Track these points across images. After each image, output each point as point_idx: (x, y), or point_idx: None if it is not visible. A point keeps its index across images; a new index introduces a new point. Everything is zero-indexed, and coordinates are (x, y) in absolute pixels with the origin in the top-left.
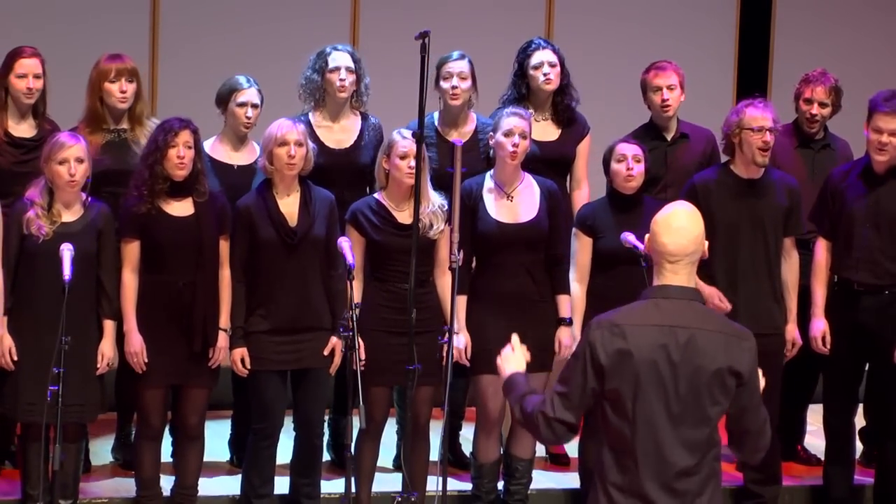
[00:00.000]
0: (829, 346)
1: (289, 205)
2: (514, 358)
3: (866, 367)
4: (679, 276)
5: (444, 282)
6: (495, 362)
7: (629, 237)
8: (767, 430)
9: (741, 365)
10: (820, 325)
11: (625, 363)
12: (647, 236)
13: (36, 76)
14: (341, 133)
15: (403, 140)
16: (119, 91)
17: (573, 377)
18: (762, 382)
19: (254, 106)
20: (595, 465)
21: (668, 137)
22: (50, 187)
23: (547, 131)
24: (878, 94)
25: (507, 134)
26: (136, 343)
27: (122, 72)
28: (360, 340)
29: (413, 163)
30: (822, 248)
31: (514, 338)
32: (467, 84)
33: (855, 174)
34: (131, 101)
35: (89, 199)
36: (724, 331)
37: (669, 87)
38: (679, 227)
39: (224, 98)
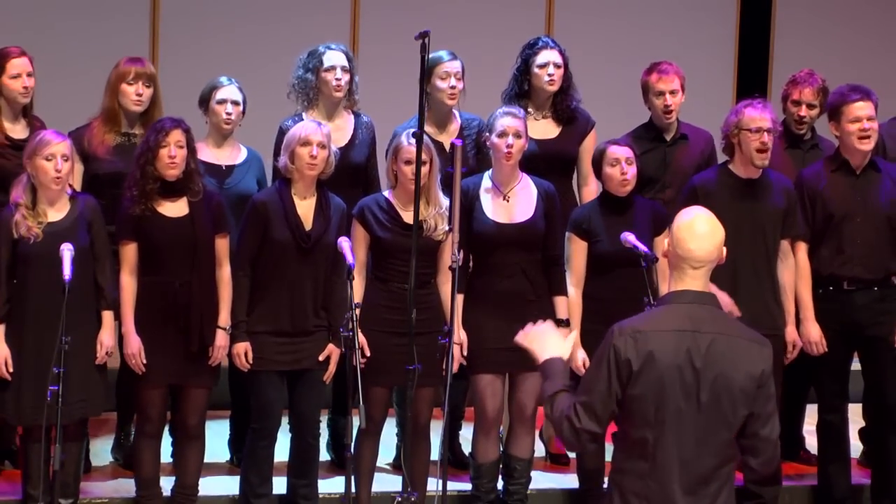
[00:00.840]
0: (826, 350)
1: (305, 207)
2: (553, 340)
3: (855, 367)
4: (698, 281)
5: (447, 288)
6: (492, 361)
7: (629, 237)
8: (778, 442)
9: (760, 371)
10: (815, 330)
11: (649, 369)
12: (666, 241)
13: (28, 74)
14: (335, 132)
15: (409, 146)
16: (135, 94)
17: (597, 386)
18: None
19: (234, 103)
20: (612, 471)
21: (668, 138)
22: (33, 185)
23: (547, 129)
24: (836, 91)
25: (501, 135)
26: (133, 345)
27: (140, 75)
28: (362, 339)
29: (423, 167)
30: (802, 251)
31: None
32: (462, 84)
33: (828, 173)
34: (146, 105)
35: (75, 194)
36: (745, 336)
37: (672, 92)
38: (704, 232)
39: (205, 98)
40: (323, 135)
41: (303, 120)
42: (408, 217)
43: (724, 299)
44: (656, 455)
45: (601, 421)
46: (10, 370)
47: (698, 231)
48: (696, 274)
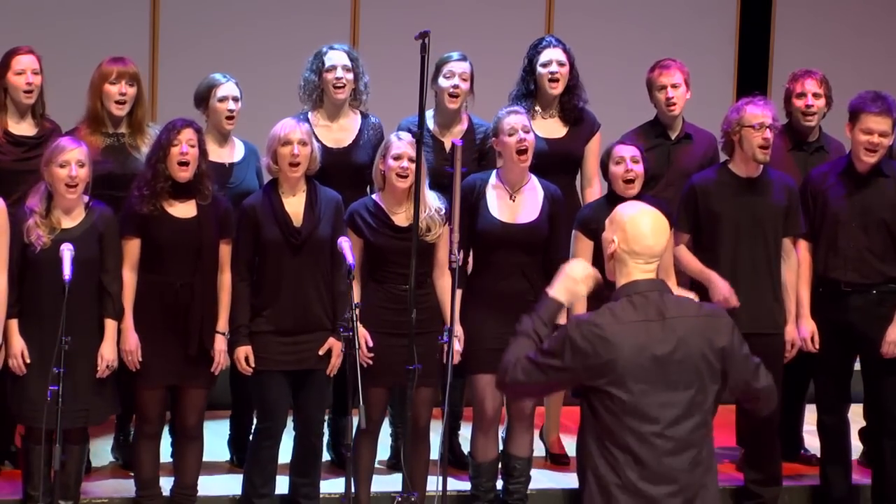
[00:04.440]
0: (818, 346)
1: (294, 204)
2: (565, 283)
3: (856, 367)
4: (650, 273)
5: (444, 283)
6: (491, 361)
7: None
8: (774, 387)
9: (722, 340)
10: (808, 326)
11: (610, 364)
12: (615, 237)
13: (34, 72)
14: (340, 132)
15: (398, 142)
16: (118, 93)
17: (547, 369)
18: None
19: (234, 99)
20: (588, 463)
21: (672, 136)
22: (49, 192)
23: (554, 129)
24: (860, 95)
25: (511, 133)
26: (131, 342)
27: (123, 74)
28: (363, 339)
29: (405, 164)
30: (803, 250)
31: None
32: (467, 85)
33: (835, 175)
34: (130, 105)
35: (91, 201)
36: (699, 314)
37: (674, 86)
38: (657, 227)
39: (203, 96)
40: (303, 132)
41: (307, 119)
42: (397, 219)
43: (725, 288)
44: (631, 443)
45: (528, 393)
46: (28, 361)
47: (653, 226)
48: (647, 267)
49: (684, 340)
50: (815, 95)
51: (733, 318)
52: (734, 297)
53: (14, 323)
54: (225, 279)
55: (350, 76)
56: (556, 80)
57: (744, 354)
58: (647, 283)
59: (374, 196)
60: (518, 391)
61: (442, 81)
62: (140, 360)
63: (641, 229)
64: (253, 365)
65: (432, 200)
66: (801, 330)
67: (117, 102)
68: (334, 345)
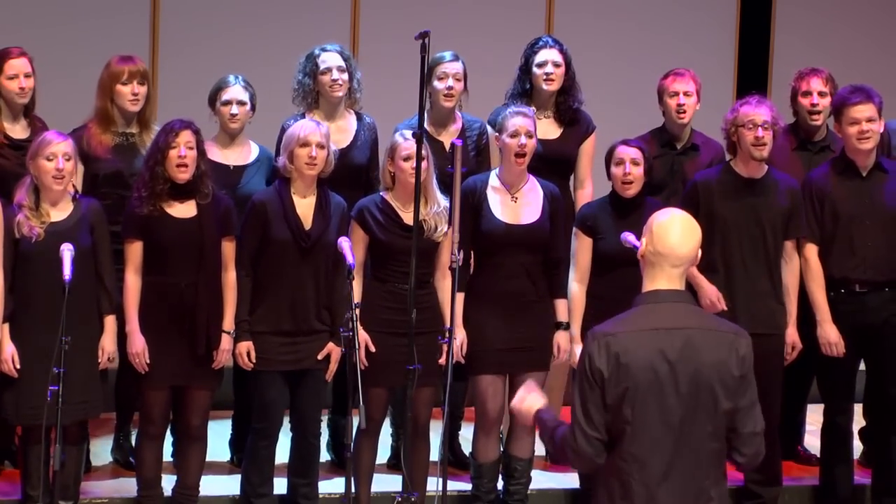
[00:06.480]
0: (844, 351)
1: (304, 206)
2: (530, 398)
3: (860, 367)
4: (674, 281)
5: (445, 285)
6: (494, 362)
7: (629, 237)
8: (763, 440)
9: (738, 361)
10: (833, 331)
11: (623, 372)
12: (644, 239)
13: (26, 75)
14: (337, 133)
15: (406, 142)
16: (131, 93)
17: (585, 394)
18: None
19: (239, 103)
20: (597, 475)
21: (679, 146)
22: (36, 186)
23: (548, 130)
24: (839, 93)
25: (513, 135)
26: (138, 344)
27: (134, 74)
28: (366, 337)
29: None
30: (812, 253)
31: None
32: (461, 85)
33: (834, 174)
34: (143, 103)
35: (78, 195)
36: (721, 329)
37: (686, 94)
38: (686, 231)
39: (212, 98)
40: (322, 135)
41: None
42: (407, 218)
43: (712, 292)
44: (640, 455)
45: (600, 426)
46: (18, 367)
47: (681, 230)
48: (673, 273)
49: (699, 352)
50: (821, 94)
51: (733, 315)
52: (722, 302)
53: (5, 327)
54: (229, 277)
55: (345, 76)
56: (551, 80)
57: (750, 385)
58: (670, 293)
59: (382, 194)
60: (588, 439)
61: (436, 83)
62: (147, 361)
63: (668, 229)
64: (254, 361)
65: (441, 199)
66: (827, 335)
67: (131, 101)
68: (333, 350)
